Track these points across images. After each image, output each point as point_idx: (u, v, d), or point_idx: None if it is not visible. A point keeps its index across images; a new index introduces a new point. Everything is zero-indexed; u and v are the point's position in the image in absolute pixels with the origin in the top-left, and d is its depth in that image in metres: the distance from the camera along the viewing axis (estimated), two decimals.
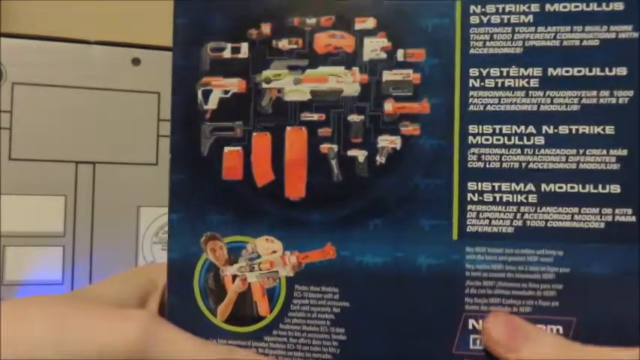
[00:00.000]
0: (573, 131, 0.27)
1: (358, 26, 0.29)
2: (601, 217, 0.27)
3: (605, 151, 0.27)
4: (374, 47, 0.29)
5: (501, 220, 0.28)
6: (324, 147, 0.30)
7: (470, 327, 0.28)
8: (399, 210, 0.29)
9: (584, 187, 0.27)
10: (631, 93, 0.27)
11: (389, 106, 0.29)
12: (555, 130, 0.28)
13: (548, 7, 0.28)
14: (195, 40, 0.31)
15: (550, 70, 0.28)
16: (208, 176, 0.30)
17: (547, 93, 0.28)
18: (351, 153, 0.29)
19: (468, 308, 0.28)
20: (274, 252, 0.30)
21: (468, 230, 0.28)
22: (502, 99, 0.28)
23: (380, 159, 0.29)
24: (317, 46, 0.30)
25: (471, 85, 0.28)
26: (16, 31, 0.45)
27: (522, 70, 0.28)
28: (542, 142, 0.28)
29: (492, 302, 0.28)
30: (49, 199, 0.44)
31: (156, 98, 0.46)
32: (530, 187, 0.28)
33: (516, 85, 0.28)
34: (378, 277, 0.29)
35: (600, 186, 0.27)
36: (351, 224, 0.29)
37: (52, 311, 0.27)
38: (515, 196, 0.28)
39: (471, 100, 0.28)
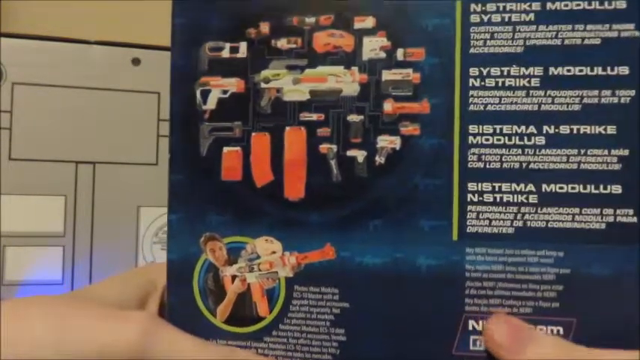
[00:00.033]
0: (574, 131, 0.27)
1: (357, 25, 0.29)
2: (602, 218, 0.27)
3: (606, 152, 0.27)
4: (373, 46, 0.29)
5: (501, 221, 0.28)
6: (324, 147, 0.29)
7: (470, 328, 0.28)
8: (398, 210, 0.28)
9: (585, 188, 0.27)
10: (633, 92, 0.27)
11: (388, 106, 0.29)
12: (556, 130, 0.27)
13: (549, 5, 0.28)
14: (193, 40, 0.30)
15: (551, 70, 0.28)
16: (207, 176, 0.30)
17: (548, 92, 0.28)
18: (350, 153, 0.29)
19: (468, 309, 0.28)
20: (274, 252, 0.30)
21: (468, 231, 0.28)
22: (503, 99, 0.28)
23: (379, 159, 0.29)
24: (316, 46, 0.30)
25: (471, 84, 0.28)
26: (16, 31, 0.45)
27: (523, 69, 0.28)
28: (543, 142, 0.27)
29: (492, 303, 0.28)
30: (49, 199, 0.44)
31: (156, 98, 0.46)
32: (531, 187, 0.27)
33: (517, 84, 0.28)
34: (378, 278, 0.29)
35: (601, 186, 0.27)
36: (350, 225, 0.29)
37: (52, 311, 0.27)
38: (515, 196, 0.28)
39: (471, 99, 0.28)
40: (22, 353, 0.26)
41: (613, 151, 0.27)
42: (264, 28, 0.30)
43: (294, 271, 0.30)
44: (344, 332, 0.29)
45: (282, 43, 0.30)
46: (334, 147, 0.29)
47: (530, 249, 0.27)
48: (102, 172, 0.45)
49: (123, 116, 0.46)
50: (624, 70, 0.27)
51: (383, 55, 0.29)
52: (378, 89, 0.29)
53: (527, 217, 0.27)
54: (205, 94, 0.30)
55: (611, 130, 0.27)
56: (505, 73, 0.28)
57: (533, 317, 0.27)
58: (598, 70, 0.27)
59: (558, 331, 0.27)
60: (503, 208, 0.28)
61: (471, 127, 0.28)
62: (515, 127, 0.28)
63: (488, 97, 0.28)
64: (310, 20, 0.30)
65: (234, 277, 0.30)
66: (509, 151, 0.28)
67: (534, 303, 0.27)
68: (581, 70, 0.27)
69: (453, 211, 0.28)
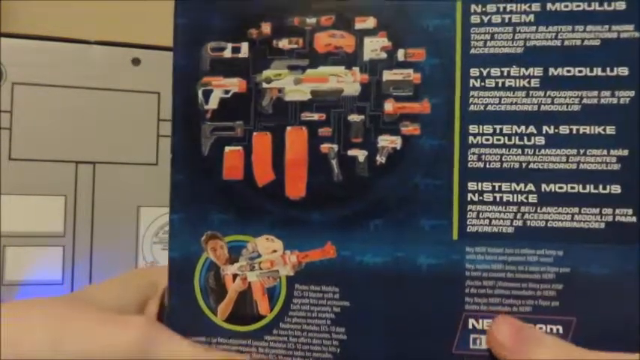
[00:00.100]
0: (574, 131, 0.27)
1: (358, 26, 0.29)
2: (601, 218, 0.27)
3: (605, 152, 0.27)
4: (374, 47, 0.29)
5: (501, 220, 0.28)
6: (325, 147, 0.30)
7: (470, 326, 0.28)
8: (399, 210, 0.29)
9: (584, 188, 0.27)
10: (632, 93, 0.27)
11: (389, 106, 0.29)
12: (556, 130, 0.28)
13: (549, 6, 0.28)
14: (195, 40, 0.31)
15: (551, 70, 0.28)
16: (209, 176, 0.30)
17: (548, 93, 0.28)
18: (351, 153, 0.29)
19: (468, 308, 0.28)
20: (275, 251, 0.30)
21: (468, 230, 0.28)
22: (503, 99, 0.28)
23: (380, 159, 0.29)
24: (317, 46, 0.30)
25: (471, 85, 0.28)
26: (16, 31, 0.46)
27: (523, 70, 0.28)
28: (543, 142, 0.28)
29: (492, 302, 0.28)
30: (49, 199, 0.44)
31: (156, 98, 0.46)
32: (531, 187, 0.28)
33: (517, 85, 0.28)
34: (379, 277, 0.29)
35: (601, 186, 0.27)
36: (351, 224, 0.29)
37: (53, 313, 0.28)
38: (515, 196, 0.28)
39: (471, 100, 0.28)
40: (22, 353, 0.26)
41: (612, 152, 0.27)
42: (266, 28, 0.30)
43: (294, 270, 0.30)
44: (344, 331, 0.29)
45: (283, 44, 0.30)
46: (335, 147, 0.29)
47: (529, 248, 0.28)
48: (102, 172, 0.45)
49: (123, 116, 0.46)
50: (624, 71, 0.27)
51: (384, 55, 0.29)
52: (379, 89, 0.29)
53: (526, 216, 0.28)
54: (207, 94, 0.31)
55: (610, 130, 0.27)
56: (505, 74, 0.28)
57: (532, 316, 0.27)
58: (597, 71, 0.27)
59: (558, 329, 0.27)
60: (503, 207, 0.28)
61: (471, 127, 0.28)
62: (515, 127, 0.28)
63: (489, 97, 0.28)
64: (311, 21, 0.30)
65: (235, 276, 0.30)
66: (509, 151, 0.28)
67: (534, 302, 0.27)
68: (580, 71, 0.27)
69: (453, 210, 0.28)
